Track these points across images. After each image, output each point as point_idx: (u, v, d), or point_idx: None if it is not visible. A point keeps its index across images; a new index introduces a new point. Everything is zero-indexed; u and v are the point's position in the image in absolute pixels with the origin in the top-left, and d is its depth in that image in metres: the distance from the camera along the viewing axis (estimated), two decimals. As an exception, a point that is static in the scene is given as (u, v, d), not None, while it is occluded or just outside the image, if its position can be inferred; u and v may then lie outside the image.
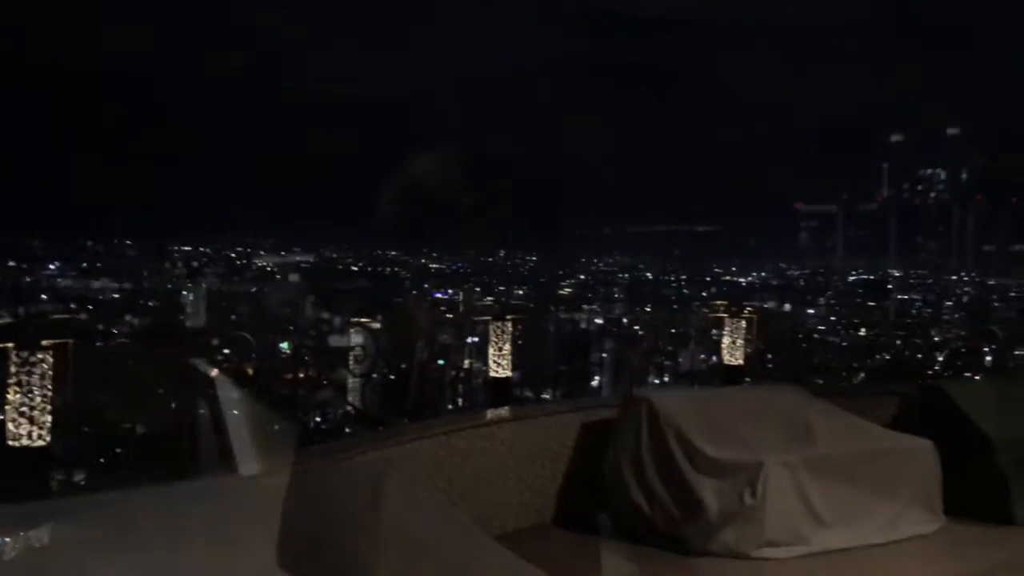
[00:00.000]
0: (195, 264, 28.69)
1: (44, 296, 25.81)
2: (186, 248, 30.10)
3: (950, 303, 33.74)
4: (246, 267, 29.99)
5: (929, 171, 37.43)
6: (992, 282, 34.08)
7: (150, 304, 27.21)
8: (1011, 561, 4.90)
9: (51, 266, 26.94)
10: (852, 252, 37.34)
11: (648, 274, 33.68)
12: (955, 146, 37.46)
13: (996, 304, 32.81)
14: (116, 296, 26.85)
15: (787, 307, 33.48)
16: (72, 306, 25.40)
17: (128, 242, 29.38)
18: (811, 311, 33.46)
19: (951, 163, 37.16)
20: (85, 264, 27.82)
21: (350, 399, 9.23)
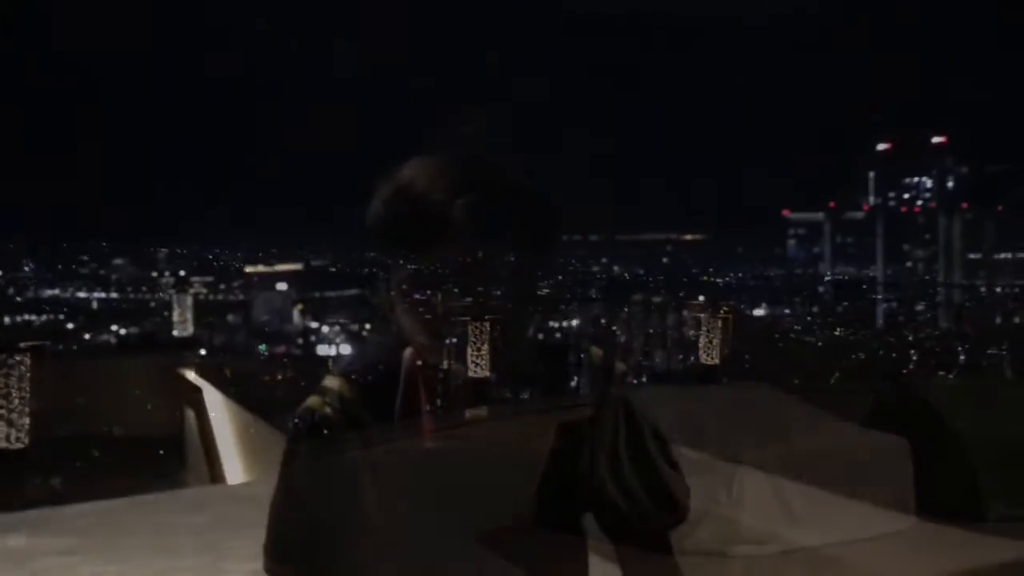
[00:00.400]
0: (182, 273, 28.57)
1: (19, 299, 25.66)
2: (162, 249, 29.94)
3: (922, 305, 34.01)
4: (223, 268, 29.83)
5: (915, 179, 37.63)
6: (964, 282, 34.38)
7: (124, 307, 27.05)
8: (983, 558, 4.98)
9: (26, 268, 26.81)
10: (840, 260, 37.46)
11: (625, 275, 33.78)
12: (941, 155, 37.71)
13: (968, 304, 33.10)
14: (86, 296, 26.67)
15: (763, 308, 33.64)
16: (46, 308, 25.24)
17: (103, 244, 29.18)
18: (787, 311, 33.64)
19: (937, 171, 37.37)
20: (61, 267, 27.75)
21: (328, 400, 9.21)
